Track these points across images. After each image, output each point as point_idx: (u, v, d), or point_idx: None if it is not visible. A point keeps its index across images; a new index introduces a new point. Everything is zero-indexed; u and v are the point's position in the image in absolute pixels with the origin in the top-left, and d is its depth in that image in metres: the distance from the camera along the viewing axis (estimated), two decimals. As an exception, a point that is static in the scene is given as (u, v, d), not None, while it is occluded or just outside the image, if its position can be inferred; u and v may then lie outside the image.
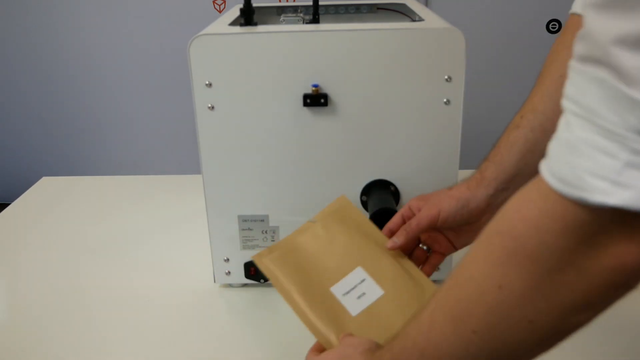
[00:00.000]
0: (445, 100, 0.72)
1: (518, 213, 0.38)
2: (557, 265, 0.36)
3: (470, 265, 0.43)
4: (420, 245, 0.68)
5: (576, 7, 0.62)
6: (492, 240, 0.40)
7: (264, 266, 0.65)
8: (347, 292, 0.63)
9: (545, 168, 0.36)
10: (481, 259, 0.41)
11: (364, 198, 0.77)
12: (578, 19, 0.60)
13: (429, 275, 0.67)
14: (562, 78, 0.43)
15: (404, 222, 0.67)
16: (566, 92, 0.35)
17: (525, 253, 0.37)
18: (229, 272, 0.83)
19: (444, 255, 0.69)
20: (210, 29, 0.74)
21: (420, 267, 0.68)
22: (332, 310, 0.62)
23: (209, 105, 0.73)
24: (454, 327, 0.42)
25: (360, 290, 0.64)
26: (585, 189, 0.33)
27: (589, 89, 0.33)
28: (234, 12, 0.86)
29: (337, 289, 0.64)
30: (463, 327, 0.42)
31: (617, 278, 0.35)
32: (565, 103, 0.35)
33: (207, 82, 0.72)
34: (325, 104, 0.72)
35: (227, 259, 0.82)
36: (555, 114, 0.39)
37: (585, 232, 0.35)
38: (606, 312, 0.39)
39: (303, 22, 0.82)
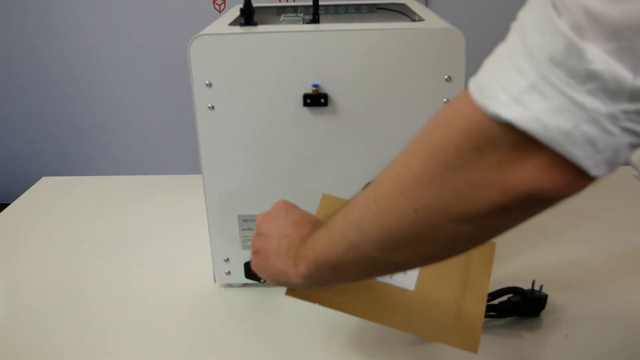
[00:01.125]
0: (445, 100, 0.72)
1: (445, 110, 0.41)
2: (450, 164, 0.38)
3: (395, 158, 0.46)
4: None
5: None
6: (419, 134, 0.43)
7: (304, 295, 0.65)
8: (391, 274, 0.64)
9: (473, 78, 0.38)
10: (410, 143, 0.44)
11: (364, 198, 0.77)
12: None
13: None
14: None
15: None
16: (520, 11, 0.36)
17: (431, 142, 0.40)
18: (229, 272, 0.83)
19: None
20: (210, 29, 0.74)
21: None
22: (394, 298, 0.64)
23: (209, 105, 0.73)
24: (367, 193, 0.46)
25: None
26: (489, 97, 0.35)
27: (531, 8, 0.34)
28: (234, 12, 0.86)
29: (381, 277, 0.65)
30: (371, 194, 0.45)
31: (498, 198, 0.36)
32: (515, 21, 0.36)
33: (207, 82, 0.72)
34: (325, 104, 0.72)
35: (227, 259, 0.82)
36: None
37: (480, 140, 0.36)
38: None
39: (303, 22, 0.82)
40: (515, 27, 0.36)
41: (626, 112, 0.32)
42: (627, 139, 0.33)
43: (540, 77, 0.33)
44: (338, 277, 0.51)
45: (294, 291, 0.63)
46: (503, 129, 0.34)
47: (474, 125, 0.36)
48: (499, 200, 0.37)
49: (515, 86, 0.33)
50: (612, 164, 0.34)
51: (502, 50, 0.36)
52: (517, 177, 0.35)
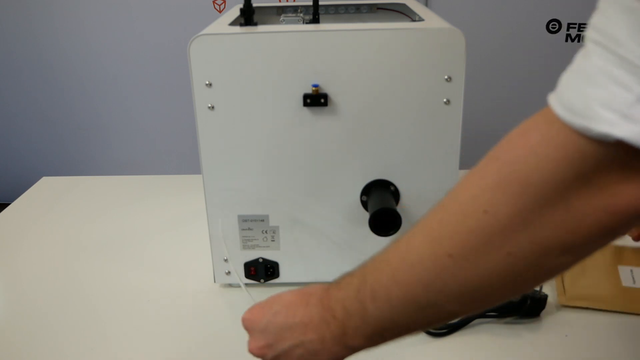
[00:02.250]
0: (445, 100, 0.72)
1: (520, 138, 0.36)
2: (548, 198, 0.34)
3: (459, 189, 0.40)
4: None
5: None
6: (487, 166, 0.38)
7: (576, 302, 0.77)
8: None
9: (554, 97, 0.35)
10: (472, 183, 0.39)
11: (364, 198, 0.77)
12: None
13: None
14: None
15: None
16: (592, 22, 0.34)
17: (518, 179, 0.35)
18: (229, 272, 0.83)
19: None
20: (210, 29, 0.74)
21: None
22: None
23: (209, 105, 0.73)
24: (431, 248, 0.40)
25: None
26: (592, 118, 0.32)
27: (618, 17, 0.31)
28: (234, 12, 0.86)
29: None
30: (440, 249, 0.39)
31: (607, 221, 0.34)
32: (589, 32, 0.34)
33: (207, 82, 0.72)
34: (325, 104, 0.72)
35: (227, 259, 0.82)
36: None
37: (584, 165, 0.33)
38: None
39: (303, 22, 0.82)
40: (595, 37, 0.33)
41: None
42: None
43: None
44: (401, 336, 0.46)
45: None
46: (611, 149, 0.32)
47: (576, 152, 0.33)
48: (608, 223, 0.34)
49: (621, 101, 0.31)
50: None
51: (586, 65, 0.33)
52: (626, 195, 0.33)
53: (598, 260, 0.84)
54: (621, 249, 0.85)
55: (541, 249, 0.36)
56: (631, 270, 0.81)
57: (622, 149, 0.31)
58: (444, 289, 0.39)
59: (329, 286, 0.48)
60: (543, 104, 0.38)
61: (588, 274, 0.81)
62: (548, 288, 0.79)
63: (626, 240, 0.88)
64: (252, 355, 0.53)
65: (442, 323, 0.46)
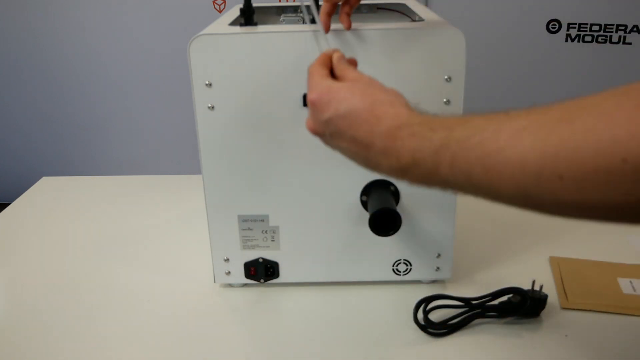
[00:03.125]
0: (445, 100, 0.72)
1: None
2: None
3: (597, 115, 0.34)
4: None
5: None
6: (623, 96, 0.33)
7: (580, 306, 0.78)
8: None
9: None
10: (615, 118, 0.33)
11: (364, 198, 0.77)
12: None
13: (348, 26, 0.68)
14: None
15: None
16: None
17: None
18: (229, 272, 0.83)
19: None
20: (210, 29, 0.74)
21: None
22: None
23: (209, 105, 0.73)
24: (541, 159, 0.35)
25: None
26: None
27: None
28: (234, 12, 0.86)
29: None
30: (551, 167, 0.35)
31: None
32: None
33: (207, 82, 0.72)
34: (325, 104, 0.72)
35: (227, 259, 0.82)
36: None
37: None
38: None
39: (303, 22, 0.82)
40: None
41: None
42: None
43: None
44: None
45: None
46: None
47: None
48: None
49: None
50: None
51: None
52: None
53: (597, 274, 0.84)
54: (619, 266, 0.86)
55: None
56: (631, 282, 0.82)
57: None
58: (533, 199, 0.37)
59: (400, 123, 0.45)
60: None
61: (588, 285, 0.81)
62: (548, 289, 0.79)
63: (623, 258, 0.89)
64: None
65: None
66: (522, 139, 0.37)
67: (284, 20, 0.84)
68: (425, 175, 0.43)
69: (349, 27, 0.69)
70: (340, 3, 0.70)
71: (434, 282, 0.85)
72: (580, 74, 2.17)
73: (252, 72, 0.71)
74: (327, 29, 0.68)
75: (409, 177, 0.45)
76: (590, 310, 0.77)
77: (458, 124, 0.42)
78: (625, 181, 0.33)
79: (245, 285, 0.85)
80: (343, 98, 0.50)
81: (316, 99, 0.52)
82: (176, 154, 2.47)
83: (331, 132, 0.51)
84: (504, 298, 0.76)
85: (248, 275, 0.83)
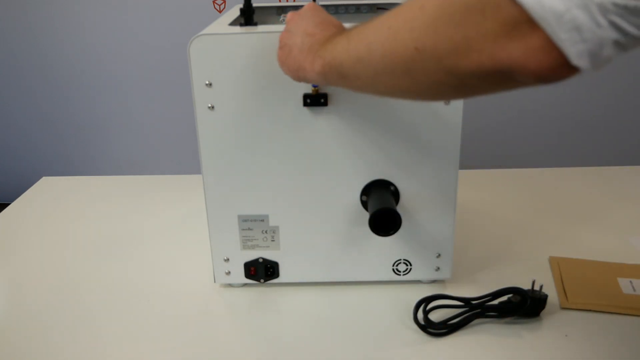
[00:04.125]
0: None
1: None
2: (456, 19, 0.40)
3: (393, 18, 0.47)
4: None
5: None
6: None
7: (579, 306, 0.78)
8: None
9: None
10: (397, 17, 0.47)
11: (364, 198, 0.77)
12: None
13: None
14: None
15: None
16: None
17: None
18: (229, 272, 0.83)
19: None
20: (210, 29, 0.74)
21: None
22: None
23: (209, 105, 0.73)
24: (381, 20, 0.48)
25: None
26: None
27: None
28: (234, 12, 0.86)
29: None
30: (386, 20, 0.48)
31: (486, 62, 0.40)
32: None
33: (207, 82, 0.72)
34: (325, 103, 0.72)
35: (227, 259, 0.82)
36: None
37: (486, 5, 0.38)
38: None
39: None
40: None
41: (616, 5, 0.34)
42: (613, 34, 0.35)
43: None
44: (344, 83, 0.56)
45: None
46: (507, 2, 0.37)
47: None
48: (485, 65, 0.40)
49: None
50: (595, 58, 0.36)
51: None
52: (507, 50, 0.38)
53: (597, 274, 0.84)
54: (619, 266, 0.86)
55: (435, 58, 0.43)
56: (630, 282, 0.82)
57: (517, 7, 0.36)
58: (374, 50, 0.49)
59: (338, 33, 0.58)
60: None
61: (588, 285, 0.81)
62: (548, 289, 0.79)
63: (623, 258, 0.89)
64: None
65: (369, 91, 0.55)
66: (361, 41, 0.51)
67: (284, 20, 0.84)
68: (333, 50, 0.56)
69: None
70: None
71: (434, 282, 0.85)
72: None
73: (252, 72, 0.71)
74: None
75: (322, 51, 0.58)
76: (590, 310, 0.77)
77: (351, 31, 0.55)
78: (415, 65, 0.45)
79: (245, 285, 0.85)
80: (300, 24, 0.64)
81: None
82: (176, 154, 2.47)
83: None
84: (504, 298, 0.76)
85: (248, 275, 0.83)
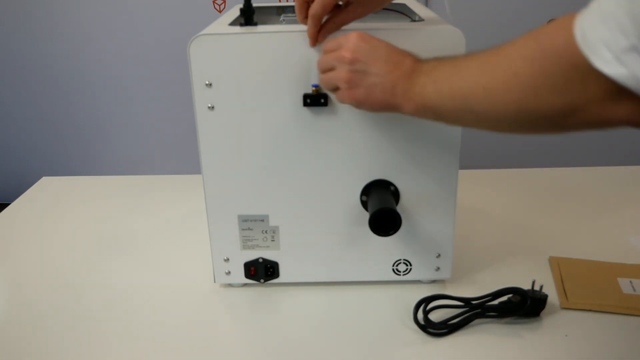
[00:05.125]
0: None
1: (553, 36, 0.47)
2: (557, 87, 0.46)
3: (502, 51, 0.52)
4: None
5: None
6: (530, 44, 0.49)
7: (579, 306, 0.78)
8: None
9: (582, 17, 0.43)
10: (511, 51, 0.51)
11: (364, 198, 0.77)
12: None
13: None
14: None
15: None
16: None
17: (542, 61, 0.46)
18: (229, 272, 0.83)
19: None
20: (210, 29, 0.74)
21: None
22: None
23: (209, 105, 0.73)
24: (473, 74, 0.53)
25: None
26: (594, 53, 0.41)
27: None
28: (234, 12, 0.86)
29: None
30: (479, 78, 0.53)
31: (597, 120, 0.46)
32: None
33: (207, 82, 0.72)
34: (325, 104, 0.72)
35: (227, 259, 0.82)
36: None
37: (587, 77, 0.43)
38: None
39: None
40: None
41: None
42: None
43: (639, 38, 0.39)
44: (441, 121, 0.61)
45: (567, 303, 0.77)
46: (605, 78, 0.41)
47: (583, 65, 0.42)
48: (594, 121, 0.46)
49: (618, 45, 0.40)
50: None
51: (606, 7, 0.41)
52: (614, 112, 0.44)
53: (597, 274, 0.84)
54: (619, 266, 0.86)
55: (539, 116, 0.49)
56: (630, 282, 0.82)
57: (615, 83, 0.41)
58: (473, 105, 0.54)
59: (413, 68, 0.61)
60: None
61: (588, 285, 0.81)
62: (548, 289, 0.79)
63: (623, 258, 0.89)
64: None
65: (468, 127, 0.61)
66: (455, 93, 0.56)
67: (284, 20, 0.84)
68: (422, 87, 0.60)
69: (313, 44, 0.70)
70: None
71: (434, 282, 0.85)
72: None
73: (252, 72, 0.71)
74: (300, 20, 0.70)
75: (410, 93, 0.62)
76: (590, 310, 0.77)
77: (437, 63, 0.60)
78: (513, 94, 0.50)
79: (245, 285, 0.85)
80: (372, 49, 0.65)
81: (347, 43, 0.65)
82: (176, 154, 2.47)
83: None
84: (504, 298, 0.76)
85: (248, 275, 0.83)
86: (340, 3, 0.68)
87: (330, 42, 0.66)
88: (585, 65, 0.42)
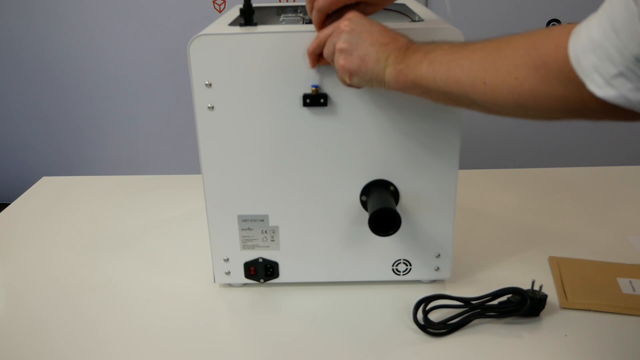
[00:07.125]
0: None
1: (552, 51, 0.49)
2: (555, 94, 0.49)
3: (505, 51, 0.53)
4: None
5: None
6: (529, 51, 0.51)
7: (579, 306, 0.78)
8: None
9: (574, 39, 0.46)
10: (510, 56, 0.53)
11: (364, 198, 0.77)
12: None
13: None
14: None
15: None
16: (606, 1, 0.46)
17: (542, 70, 0.49)
18: (229, 272, 0.83)
19: None
20: (210, 29, 0.74)
21: None
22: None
23: (209, 105, 0.73)
24: (473, 68, 0.55)
25: None
26: (586, 76, 0.46)
27: (621, 9, 0.43)
28: (234, 12, 0.86)
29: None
30: (480, 74, 0.54)
31: (591, 118, 0.50)
32: (605, 6, 0.45)
33: (207, 82, 0.72)
34: (325, 104, 0.72)
35: (227, 259, 0.82)
36: None
37: (579, 99, 0.47)
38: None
39: (303, 22, 0.82)
40: (604, 17, 0.44)
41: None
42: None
43: (627, 68, 0.43)
44: (426, 97, 0.62)
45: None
46: (598, 100, 0.46)
47: (580, 84, 0.46)
48: (593, 120, 0.50)
49: (608, 72, 0.44)
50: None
51: (597, 38, 0.45)
52: (610, 117, 0.48)
53: (596, 274, 0.84)
54: (619, 266, 0.86)
55: (537, 108, 0.52)
56: (630, 282, 0.82)
57: (606, 102, 0.46)
58: (471, 94, 0.56)
59: (408, 45, 0.63)
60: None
61: (588, 285, 0.81)
62: (548, 289, 0.79)
63: (623, 258, 0.89)
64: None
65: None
66: (468, 60, 0.57)
67: (284, 20, 0.84)
68: (411, 64, 0.61)
69: (313, 66, 0.71)
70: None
71: (433, 282, 0.85)
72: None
73: (252, 72, 0.72)
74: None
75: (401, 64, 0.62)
76: (590, 310, 0.77)
77: (434, 47, 0.61)
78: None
79: (245, 285, 0.85)
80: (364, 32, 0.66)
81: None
82: (176, 154, 2.47)
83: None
84: (504, 298, 0.76)
85: (248, 275, 0.83)
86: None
87: (329, 28, 0.67)
88: (582, 83, 0.46)
